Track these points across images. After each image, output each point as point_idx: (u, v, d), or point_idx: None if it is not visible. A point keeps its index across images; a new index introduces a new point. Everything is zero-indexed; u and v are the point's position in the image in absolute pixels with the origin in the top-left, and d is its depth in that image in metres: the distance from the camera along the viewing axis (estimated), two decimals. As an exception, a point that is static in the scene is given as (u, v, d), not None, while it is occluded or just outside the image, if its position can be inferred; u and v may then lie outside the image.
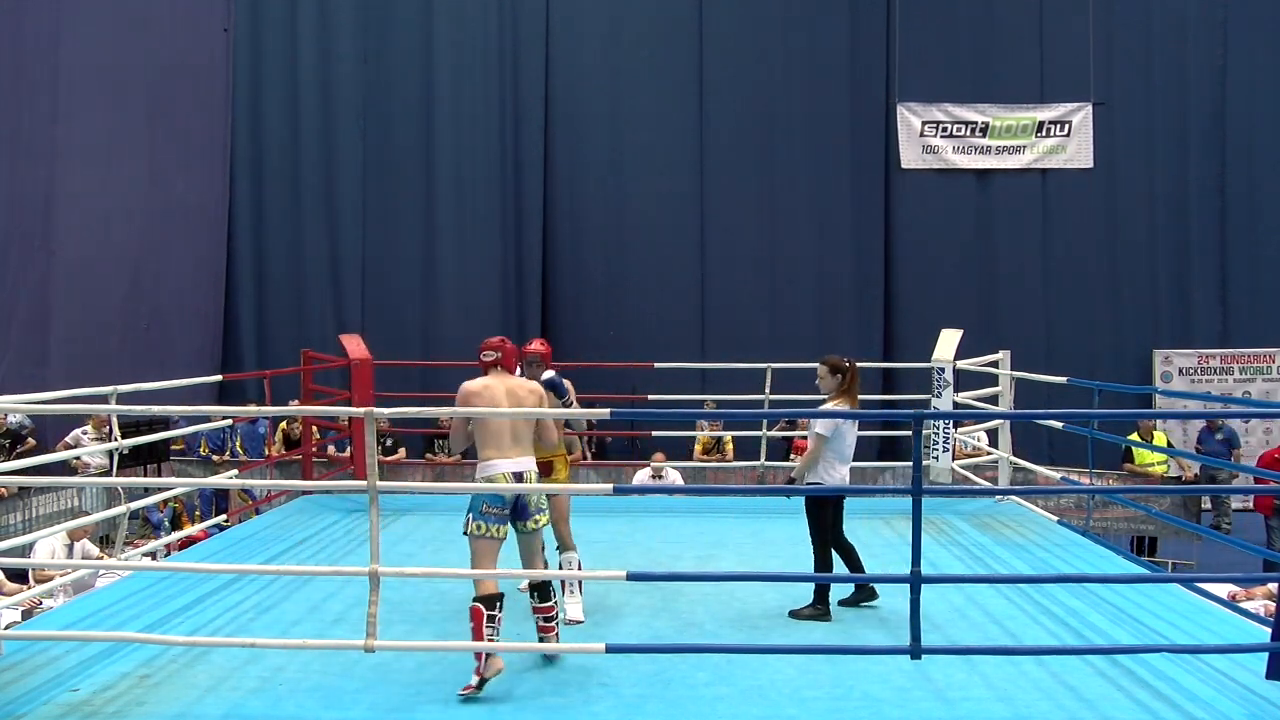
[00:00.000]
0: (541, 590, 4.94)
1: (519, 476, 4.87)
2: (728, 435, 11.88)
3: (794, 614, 5.74)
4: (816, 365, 5.97)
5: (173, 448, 11.64)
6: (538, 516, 4.95)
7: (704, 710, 4.47)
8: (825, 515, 5.86)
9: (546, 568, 5.29)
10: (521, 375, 5.58)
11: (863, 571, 5.89)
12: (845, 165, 14.31)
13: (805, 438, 11.94)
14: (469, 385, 4.96)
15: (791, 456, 12.21)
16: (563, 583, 5.55)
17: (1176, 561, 11.03)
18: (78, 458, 9.93)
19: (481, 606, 4.67)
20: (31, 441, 10.64)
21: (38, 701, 4.47)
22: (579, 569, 5.73)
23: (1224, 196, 14.15)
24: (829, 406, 5.89)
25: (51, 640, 5.07)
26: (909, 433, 4.96)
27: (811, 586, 5.85)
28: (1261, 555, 7.36)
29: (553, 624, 4.95)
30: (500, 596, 4.76)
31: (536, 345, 5.98)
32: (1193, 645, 5.08)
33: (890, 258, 14.30)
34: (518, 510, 4.90)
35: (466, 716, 4.41)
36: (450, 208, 14.38)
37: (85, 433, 11.02)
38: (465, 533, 4.87)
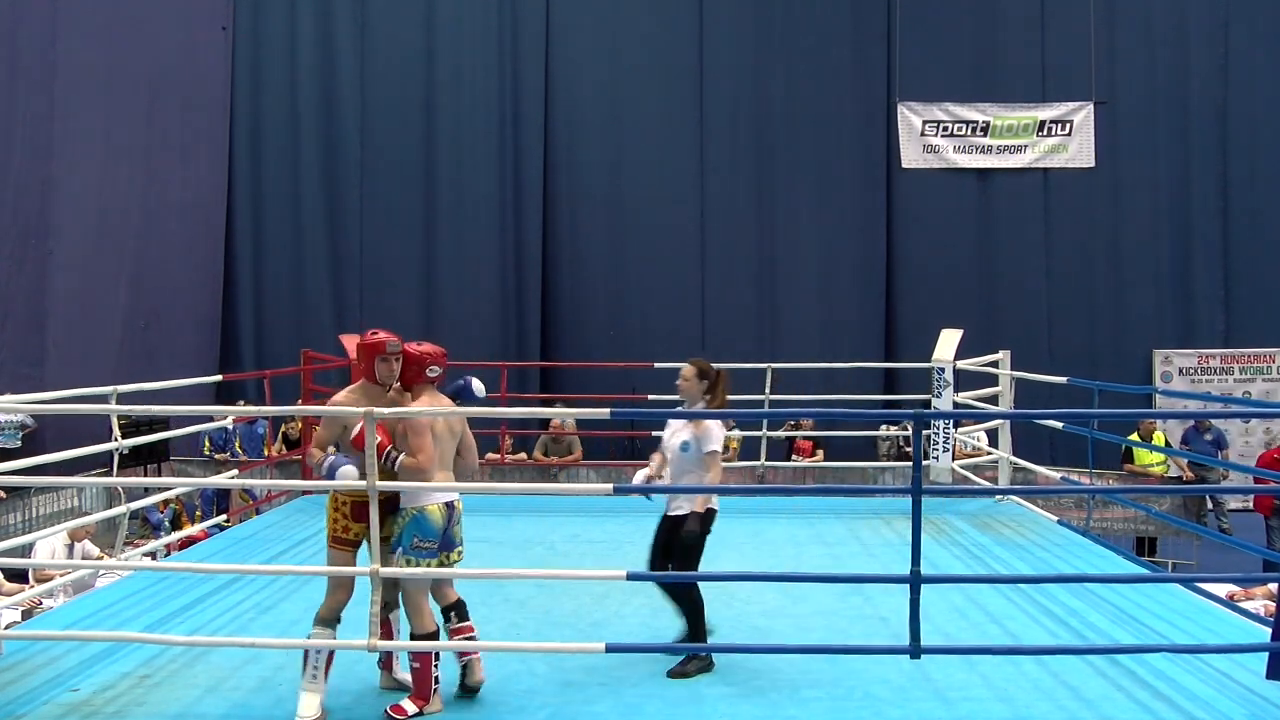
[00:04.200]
0: (458, 610, 4.61)
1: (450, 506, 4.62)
2: (729, 436, 11.87)
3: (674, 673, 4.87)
4: (681, 367, 5.25)
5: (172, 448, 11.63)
6: (461, 548, 4.62)
7: (704, 710, 4.47)
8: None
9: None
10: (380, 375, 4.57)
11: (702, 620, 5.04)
12: (846, 165, 14.28)
13: (809, 439, 12.06)
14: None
15: (793, 457, 12.21)
16: (305, 662, 4.41)
17: (1176, 561, 11.03)
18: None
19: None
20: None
21: (38, 701, 4.47)
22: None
23: (1226, 196, 14.12)
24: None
25: (51, 640, 5.08)
26: (909, 432, 4.94)
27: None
28: (1261, 555, 7.36)
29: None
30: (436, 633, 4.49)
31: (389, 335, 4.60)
32: (1193, 645, 5.08)
33: (891, 257, 14.27)
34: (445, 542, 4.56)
35: (466, 717, 4.40)
36: (450, 208, 14.36)
37: None
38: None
